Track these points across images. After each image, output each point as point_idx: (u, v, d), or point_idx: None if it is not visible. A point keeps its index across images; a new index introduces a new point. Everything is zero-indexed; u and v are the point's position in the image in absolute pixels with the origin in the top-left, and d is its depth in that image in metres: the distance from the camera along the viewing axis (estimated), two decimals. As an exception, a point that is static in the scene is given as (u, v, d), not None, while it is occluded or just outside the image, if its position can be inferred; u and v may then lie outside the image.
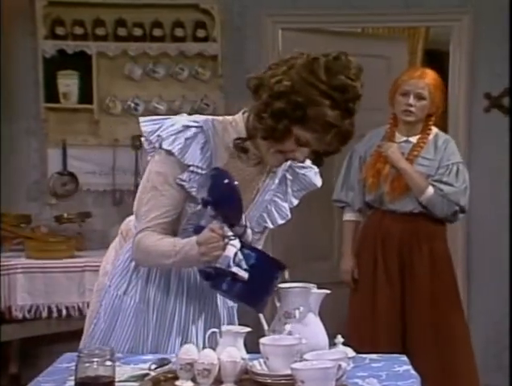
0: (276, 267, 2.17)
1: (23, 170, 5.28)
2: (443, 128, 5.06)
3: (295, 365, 1.86)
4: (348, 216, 4.22)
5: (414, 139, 4.06)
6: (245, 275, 2.11)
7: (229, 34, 5.24)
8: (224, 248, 2.11)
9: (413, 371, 2.14)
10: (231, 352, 1.98)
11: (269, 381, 1.97)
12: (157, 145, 2.26)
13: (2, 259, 4.53)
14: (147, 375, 2.04)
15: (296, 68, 2.12)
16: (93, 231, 5.15)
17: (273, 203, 2.39)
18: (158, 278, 2.37)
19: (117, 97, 5.21)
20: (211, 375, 1.96)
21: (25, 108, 5.23)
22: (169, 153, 2.23)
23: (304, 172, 2.42)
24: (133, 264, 2.38)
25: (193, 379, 1.99)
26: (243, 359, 2.00)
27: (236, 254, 2.11)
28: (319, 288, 2.19)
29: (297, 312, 2.12)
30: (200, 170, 2.24)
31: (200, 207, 2.25)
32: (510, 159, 5.20)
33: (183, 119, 2.29)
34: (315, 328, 2.15)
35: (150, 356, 2.25)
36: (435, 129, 4.10)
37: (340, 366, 1.91)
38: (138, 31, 5.15)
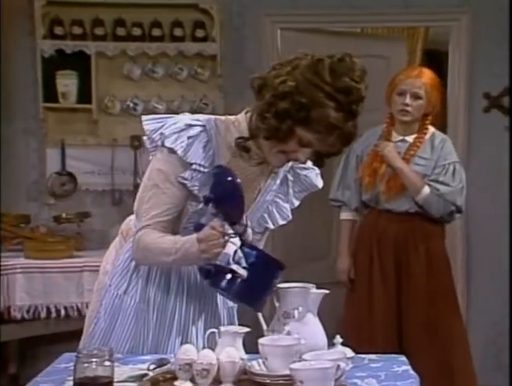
0: (276, 267, 2.17)
1: (22, 170, 5.28)
2: (443, 128, 5.06)
3: (293, 365, 1.86)
4: (345, 215, 4.22)
5: (410, 138, 4.06)
6: (244, 273, 2.11)
7: (228, 34, 5.24)
8: (224, 246, 2.11)
9: (412, 372, 2.14)
10: (230, 352, 1.98)
11: (268, 381, 1.97)
12: (159, 143, 2.26)
13: (1, 259, 4.52)
14: (146, 375, 2.04)
15: (301, 69, 2.12)
16: (92, 231, 5.14)
17: (274, 204, 2.40)
18: (159, 278, 2.37)
19: (116, 97, 5.21)
20: (210, 375, 1.96)
21: (24, 108, 5.23)
22: (171, 151, 2.23)
23: (306, 173, 2.42)
24: (133, 263, 2.38)
25: (192, 380, 1.98)
26: (242, 359, 2.00)
27: (236, 252, 2.11)
28: (318, 288, 2.18)
29: (296, 312, 2.12)
30: (202, 169, 2.24)
31: (201, 205, 2.25)
32: (510, 159, 5.19)
33: (185, 118, 2.29)
34: (314, 328, 2.15)
35: (148, 356, 2.25)
36: (431, 129, 4.09)
37: (339, 366, 1.91)
38: (137, 31, 5.15)
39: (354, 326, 3.99)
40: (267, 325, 2.16)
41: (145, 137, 2.31)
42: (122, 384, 1.97)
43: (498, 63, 5.20)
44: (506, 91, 5.21)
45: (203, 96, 5.22)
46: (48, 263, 4.58)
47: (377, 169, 4.03)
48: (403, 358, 2.28)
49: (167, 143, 2.23)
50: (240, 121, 2.29)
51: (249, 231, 2.23)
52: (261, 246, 2.41)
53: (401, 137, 4.07)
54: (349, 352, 2.16)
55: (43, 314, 4.56)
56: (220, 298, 2.44)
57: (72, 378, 1.86)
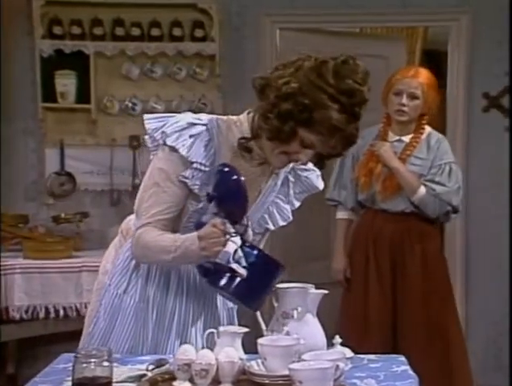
0: (276, 267, 2.17)
1: (21, 170, 5.28)
2: (442, 128, 5.06)
3: (292, 365, 1.86)
4: (341, 215, 4.20)
5: (407, 138, 4.05)
6: (244, 272, 2.11)
7: (227, 34, 5.24)
8: (224, 244, 2.11)
9: (411, 372, 2.14)
10: (229, 352, 1.98)
11: (267, 382, 1.97)
12: (161, 141, 2.26)
13: (0, 259, 4.51)
14: (145, 375, 2.04)
15: (304, 70, 2.12)
16: (91, 231, 5.14)
17: (274, 205, 2.40)
18: (158, 277, 2.37)
19: (115, 97, 5.21)
20: (208, 375, 1.96)
21: (22, 108, 5.23)
22: (173, 149, 2.24)
23: (307, 174, 2.43)
24: (133, 263, 2.38)
25: (191, 380, 1.98)
26: (241, 359, 2.00)
27: (236, 251, 2.11)
28: (317, 288, 2.18)
29: (295, 312, 2.12)
30: (203, 168, 2.24)
31: (201, 204, 2.25)
32: (510, 159, 5.19)
33: (187, 117, 2.29)
34: (313, 328, 2.14)
35: (147, 357, 2.25)
36: (428, 129, 4.08)
37: (338, 366, 1.90)
38: (135, 31, 5.15)
39: (350, 325, 3.98)
40: (266, 325, 2.16)
41: (146, 136, 2.32)
42: (121, 385, 1.97)
43: (498, 63, 5.20)
44: (506, 91, 5.21)
45: (201, 95, 5.22)
46: (47, 263, 4.57)
47: (373, 169, 4.02)
48: (402, 358, 2.28)
49: (169, 141, 2.24)
50: (242, 122, 2.29)
51: (250, 231, 2.24)
52: (261, 247, 2.40)
53: (397, 137, 4.06)
54: (348, 352, 2.16)
55: (42, 315, 4.55)
56: (219, 299, 2.44)
57: (70, 378, 1.85)
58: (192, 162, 2.23)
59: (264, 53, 5.27)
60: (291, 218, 2.45)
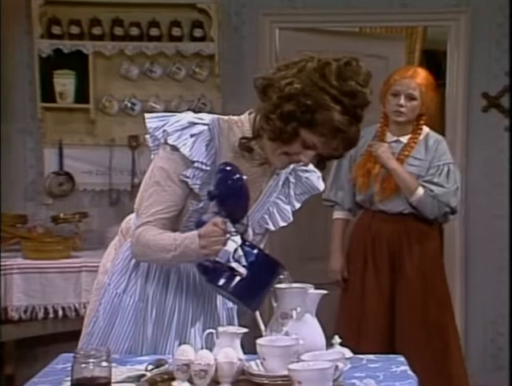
0: (275, 267, 2.17)
1: (19, 169, 5.27)
2: (441, 128, 5.06)
3: (292, 366, 1.86)
4: (338, 214, 4.18)
5: (404, 139, 4.03)
6: (243, 271, 2.11)
7: (227, 34, 5.24)
8: (225, 243, 2.11)
9: (410, 372, 2.14)
10: (228, 353, 1.98)
11: (266, 382, 1.97)
12: (162, 140, 2.27)
13: (0, 259, 4.51)
14: (144, 376, 2.03)
15: (307, 71, 2.13)
16: (90, 231, 5.13)
17: (275, 205, 2.40)
18: (158, 277, 2.38)
19: (114, 97, 5.20)
20: (207, 375, 1.96)
21: (21, 108, 5.22)
22: (174, 148, 2.24)
23: (307, 176, 2.44)
24: (132, 262, 2.38)
25: (190, 380, 1.98)
26: (240, 359, 2.00)
27: (236, 250, 2.11)
28: (316, 288, 2.18)
29: (294, 312, 2.12)
30: (204, 167, 2.24)
31: (201, 204, 2.26)
32: (510, 159, 5.19)
33: (189, 116, 2.30)
34: (312, 328, 2.14)
35: (146, 357, 2.25)
36: (426, 129, 4.06)
37: (337, 366, 1.90)
38: (134, 31, 5.14)
39: (347, 326, 3.97)
40: (265, 325, 2.16)
41: (147, 136, 2.33)
42: (120, 385, 1.97)
43: (497, 62, 5.20)
44: (505, 91, 5.20)
45: (201, 95, 5.21)
46: (46, 263, 4.56)
47: (370, 169, 4.00)
48: (402, 358, 2.28)
49: (170, 140, 2.24)
50: (243, 122, 2.30)
51: (250, 231, 2.24)
52: (261, 247, 2.41)
53: (395, 138, 4.04)
54: (348, 353, 2.16)
55: (41, 315, 4.54)
56: (219, 299, 2.44)
57: (69, 379, 1.85)
58: (193, 162, 2.24)
59: (263, 53, 5.27)
60: (292, 219, 2.45)
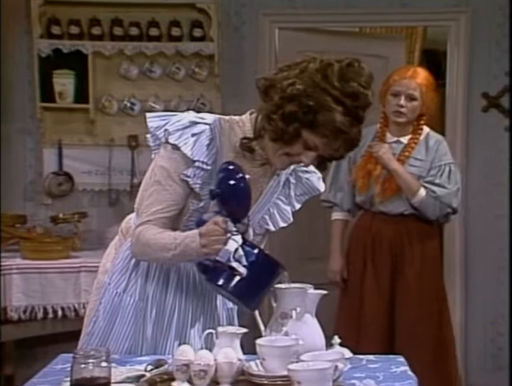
0: (275, 267, 2.17)
1: (19, 169, 5.27)
2: (441, 128, 5.05)
3: (291, 366, 1.85)
4: (337, 215, 4.17)
5: (405, 139, 4.01)
6: (244, 271, 2.11)
7: (226, 34, 5.23)
8: (225, 243, 2.11)
9: (410, 372, 2.14)
10: (227, 353, 1.98)
11: (265, 382, 1.96)
12: (163, 139, 2.27)
13: (0, 259, 4.50)
14: (143, 376, 2.03)
15: (309, 72, 2.14)
16: (89, 231, 5.12)
17: (275, 206, 2.40)
18: (158, 276, 2.38)
19: (113, 97, 5.20)
20: (207, 376, 1.96)
21: (20, 108, 5.22)
22: (175, 147, 2.24)
23: (308, 177, 2.44)
24: (132, 262, 2.38)
25: (189, 381, 1.98)
26: (239, 359, 2.00)
27: (237, 249, 2.11)
28: (316, 288, 2.17)
29: (294, 312, 2.11)
30: (205, 166, 2.25)
31: (202, 203, 2.26)
32: (510, 159, 5.18)
33: (190, 115, 2.30)
34: (312, 329, 2.14)
35: (146, 357, 2.25)
36: (426, 129, 4.04)
37: (336, 367, 1.90)
38: (134, 31, 5.14)
39: (345, 327, 3.96)
40: (265, 325, 2.15)
41: (148, 135, 2.33)
42: (119, 385, 1.96)
43: (497, 62, 5.19)
44: (505, 91, 5.20)
45: (200, 95, 5.21)
46: (45, 263, 4.56)
47: (371, 171, 3.98)
48: (402, 359, 2.28)
49: (171, 139, 2.24)
50: (244, 122, 2.30)
51: (251, 231, 2.24)
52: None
53: (395, 138, 4.02)
54: (347, 353, 2.15)
55: (40, 315, 4.54)
56: (219, 299, 2.44)
57: (68, 379, 1.85)
58: (194, 161, 2.24)
59: (263, 53, 5.26)
60: (292, 219, 2.45)
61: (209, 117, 2.31)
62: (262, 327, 2.15)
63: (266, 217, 2.40)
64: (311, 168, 2.40)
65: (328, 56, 2.18)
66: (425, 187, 3.93)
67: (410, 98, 3.93)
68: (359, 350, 2.38)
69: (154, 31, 5.15)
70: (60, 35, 5.11)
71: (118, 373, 2.03)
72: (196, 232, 2.16)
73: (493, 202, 5.22)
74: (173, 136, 2.24)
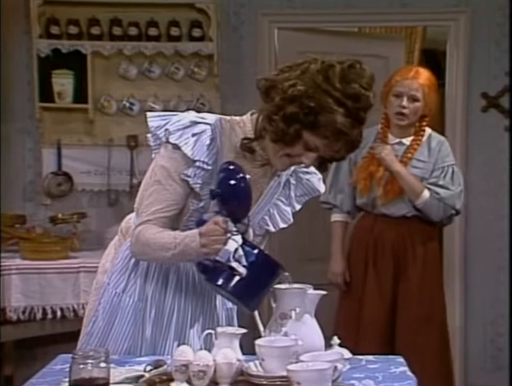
0: (275, 268, 2.17)
1: (18, 170, 5.26)
2: (441, 128, 5.05)
3: (290, 366, 1.85)
4: (336, 217, 4.14)
5: (407, 141, 3.98)
6: (243, 271, 2.11)
7: (225, 34, 5.23)
8: (225, 243, 2.11)
9: (409, 373, 2.14)
10: (226, 353, 1.97)
11: (264, 383, 1.96)
12: (164, 139, 2.27)
13: (0, 259, 4.50)
14: (142, 376, 2.03)
15: (310, 73, 2.14)
16: (88, 231, 5.12)
17: (275, 207, 2.41)
18: (157, 276, 2.38)
19: (113, 97, 5.20)
20: (206, 376, 1.95)
21: (19, 108, 5.22)
22: (176, 147, 2.24)
23: (308, 177, 2.44)
24: (132, 262, 2.38)
25: (188, 381, 1.98)
26: (239, 360, 2.00)
27: (237, 249, 2.11)
28: (315, 289, 2.17)
29: (293, 313, 2.11)
30: (205, 166, 2.25)
31: (202, 203, 2.26)
32: (510, 159, 5.18)
33: (191, 115, 2.30)
34: (311, 329, 2.14)
35: (145, 358, 2.25)
36: (428, 130, 4.02)
37: (336, 367, 1.90)
38: (133, 31, 5.14)
39: (346, 326, 3.95)
40: (264, 326, 2.15)
41: (149, 134, 2.33)
42: (118, 386, 1.96)
43: (496, 62, 5.19)
44: (504, 91, 5.20)
45: (200, 95, 5.21)
46: (44, 264, 4.55)
47: (373, 172, 3.95)
48: (401, 359, 2.27)
49: (172, 139, 2.24)
50: (245, 122, 2.30)
51: (251, 231, 2.24)
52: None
53: (397, 140, 3.99)
54: (347, 353, 2.15)
55: (39, 315, 4.53)
56: (219, 299, 2.44)
57: (67, 379, 1.85)
58: (195, 161, 2.24)
59: (262, 53, 5.26)
60: (292, 220, 2.45)
61: (210, 117, 2.31)
62: (261, 328, 2.15)
63: (266, 218, 2.40)
64: (312, 169, 2.40)
65: (329, 57, 2.18)
66: (429, 189, 3.90)
67: (413, 99, 3.90)
68: (359, 350, 2.37)
69: (153, 31, 5.15)
70: (59, 35, 5.10)
71: (117, 373, 2.03)
72: (195, 231, 2.16)
73: (492, 202, 5.22)
74: (174, 135, 2.24)
